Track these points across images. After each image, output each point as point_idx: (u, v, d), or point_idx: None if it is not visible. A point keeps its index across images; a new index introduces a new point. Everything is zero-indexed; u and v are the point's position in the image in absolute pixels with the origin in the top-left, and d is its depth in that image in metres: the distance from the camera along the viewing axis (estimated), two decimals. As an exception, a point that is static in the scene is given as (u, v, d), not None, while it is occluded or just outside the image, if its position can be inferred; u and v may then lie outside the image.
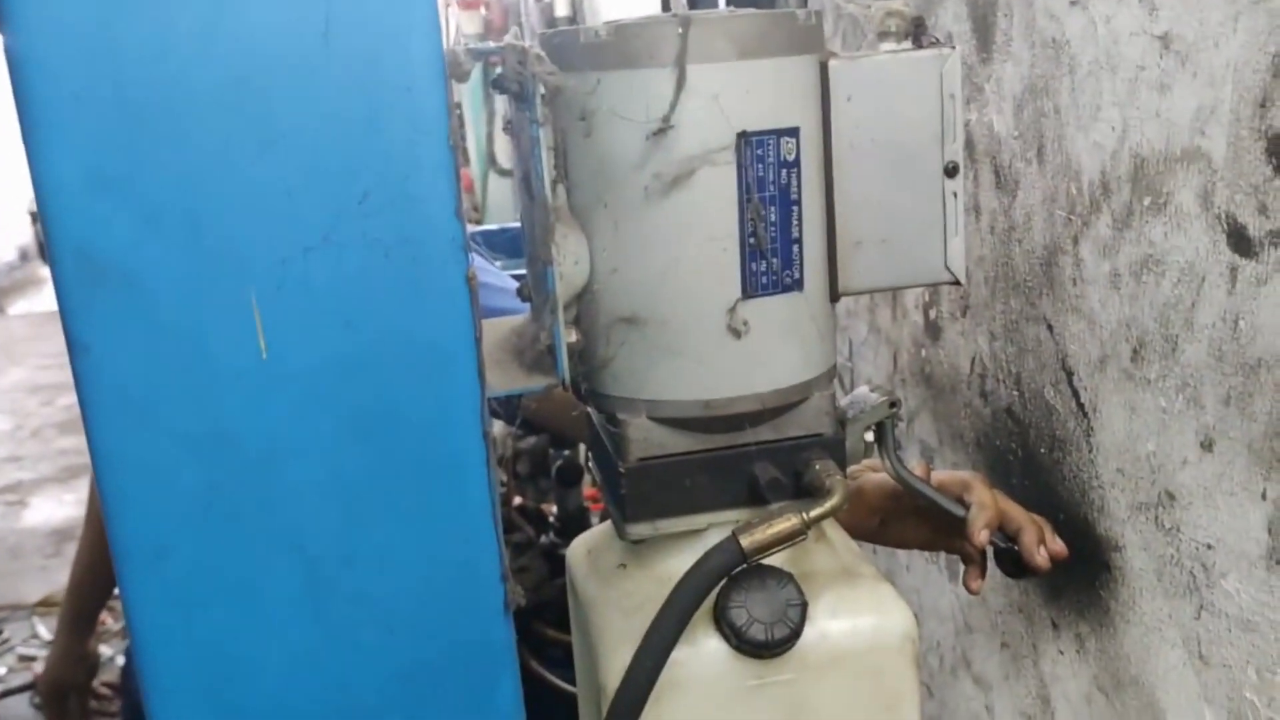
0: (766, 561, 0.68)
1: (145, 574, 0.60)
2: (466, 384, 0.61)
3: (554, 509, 2.01)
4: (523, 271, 0.80)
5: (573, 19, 3.20)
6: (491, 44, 0.70)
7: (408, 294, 0.59)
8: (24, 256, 12.55)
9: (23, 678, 3.42)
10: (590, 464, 0.83)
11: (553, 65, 0.65)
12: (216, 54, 0.55)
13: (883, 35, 0.76)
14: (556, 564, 1.82)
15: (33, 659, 3.58)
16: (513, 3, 5.07)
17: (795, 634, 0.68)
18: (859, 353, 1.53)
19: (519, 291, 0.80)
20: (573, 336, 0.69)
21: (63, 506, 5.06)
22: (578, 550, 0.81)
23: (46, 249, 0.56)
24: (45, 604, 3.91)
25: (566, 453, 1.96)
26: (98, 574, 1.83)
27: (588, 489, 2.04)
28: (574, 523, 1.94)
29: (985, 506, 0.91)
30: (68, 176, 0.55)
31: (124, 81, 0.54)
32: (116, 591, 1.74)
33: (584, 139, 0.66)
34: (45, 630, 3.74)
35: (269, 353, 0.59)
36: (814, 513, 0.68)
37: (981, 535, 0.90)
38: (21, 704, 3.26)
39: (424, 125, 0.58)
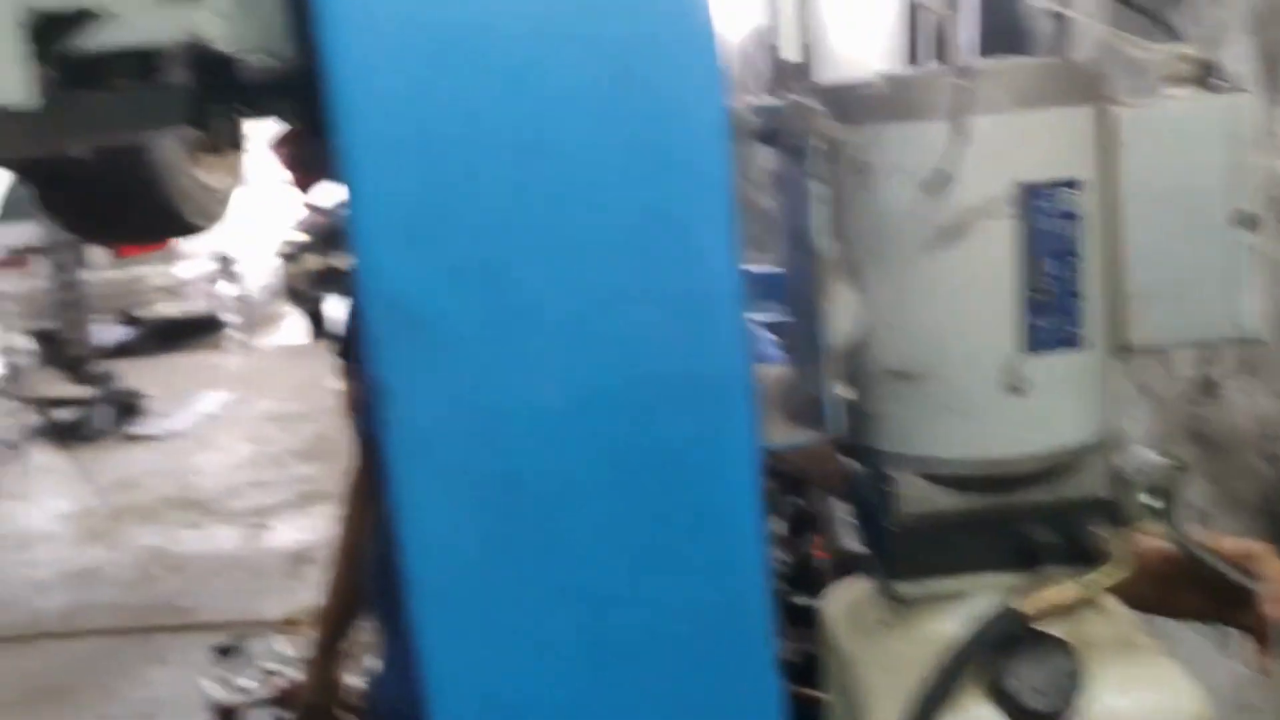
0: (1041, 628, 0.66)
1: (435, 611, 0.63)
2: (743, 433, 0.62)
3: (784, 556, 1.99)
4: (770, 317, 0.81)
5: (804, 64, 3.21)
6: (769, 100, 0.71)
7: (690, 341, 0.60)
8: (270, 295, 13.53)
9: (266, 690, 3.65)
10: (840, 515, 0.82)
11: (832, 120, 0.65)
12: (519, 115, 0.58)
13: (1169, 79, 0.73)
14: (788, 612, 1.79)
15: (275, 673, 3.81)
16: (743, 49, 5.14)
17: (1072, 706, 0.65)
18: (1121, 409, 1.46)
19: (776, 340, 0.80)
20: (843, 390, 0.69)
21: (300, 531, 5.38)
22: (835, 606, 0.80)
23: (358, 296, 0.60)
24: (287, 623, 4.15)
25: (799, 500, 1.94)
26: (349, 606, 1.93)
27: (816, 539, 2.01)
28: (803, 571, 1.91)
29: (1277, 579, 0.84)
30: (384, 230, 0.59)
31: (436, 140, 0.58)
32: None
33: (860, 192, 0.66)
34: (286, 647, 3.97)
35: (557, 398, 0.61)
36: (1096, 579, 0.65)
37: (1276, 611, 0.83)
38: (266, 717, 3.47)
39: (708, 180, 0.60)
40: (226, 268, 11.99)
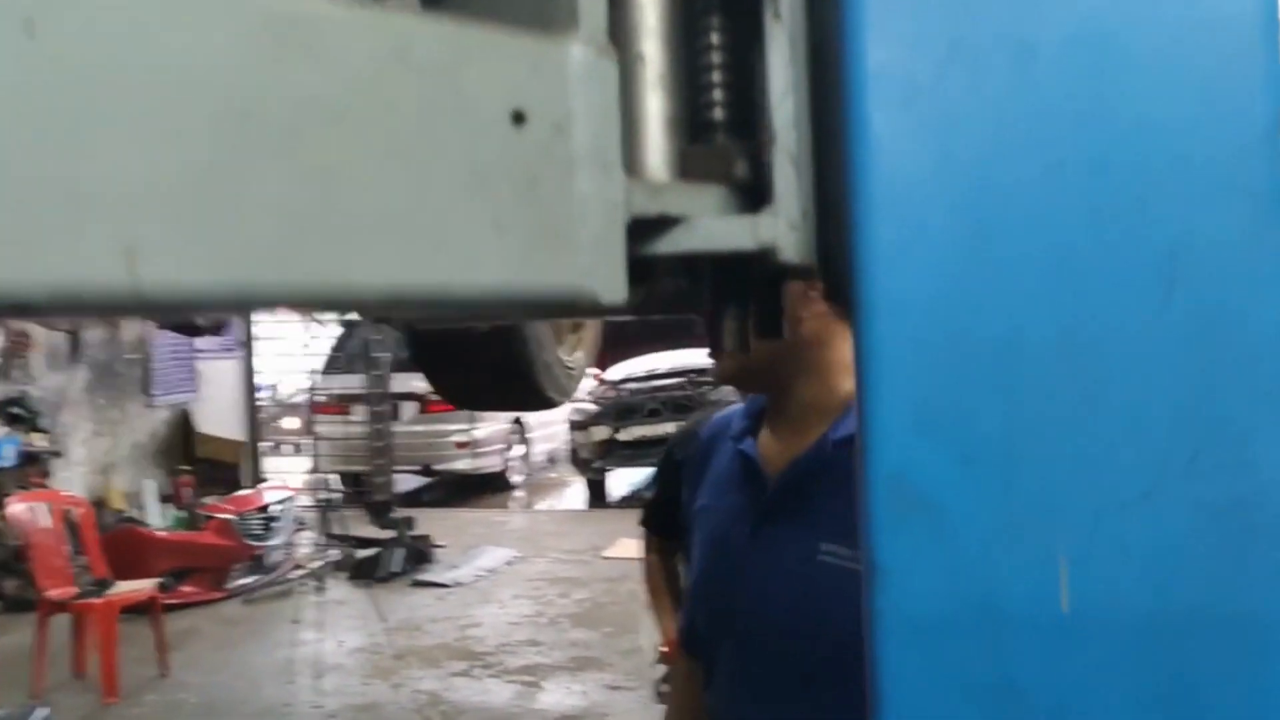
0: None
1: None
2: (1283, 673, 0.55)
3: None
4: None
5: None
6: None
7: (1232, 562, 0.55)
8: (551, 460, 14.11)
9: None
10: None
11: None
12: (1051, 313, 0.56)
13: None
14: None
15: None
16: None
17: None
18: None
19: None
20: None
21: (571, 695, 5.40)
22: None
23: (863, 476, 0.59)
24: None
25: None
26: None
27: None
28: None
29: None
30: (895, 413, 0.58)
31: (960, 335, 0.57)
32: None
33: None
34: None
35: (1070, 607, 0.57)
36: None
37: None
38: None
39: (1269, 394, 0.55)
40: (520, 431, 12.64)
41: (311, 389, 11.15)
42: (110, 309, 0.36)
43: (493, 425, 11.93)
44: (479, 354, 2.50)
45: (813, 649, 1.32)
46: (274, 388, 11.94)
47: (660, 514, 3.00)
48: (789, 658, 1.34)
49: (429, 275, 0.42)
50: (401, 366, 11.49)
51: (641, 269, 0.52)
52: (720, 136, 0.59)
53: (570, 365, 2.92)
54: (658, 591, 3.03)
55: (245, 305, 0.39)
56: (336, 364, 11.20)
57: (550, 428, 13.20)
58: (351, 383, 10.80)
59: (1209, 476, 0.55)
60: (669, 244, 0.52)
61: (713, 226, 0.52)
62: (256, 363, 10.90)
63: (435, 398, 11.70)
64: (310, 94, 0.41)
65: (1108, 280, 0.56)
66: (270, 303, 0.39)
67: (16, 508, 6.00)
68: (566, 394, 2.94)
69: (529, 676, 5.65)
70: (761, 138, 0.58)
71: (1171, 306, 0.55)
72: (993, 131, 0.56)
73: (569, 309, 0.49)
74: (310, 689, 5.54)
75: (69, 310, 0.35)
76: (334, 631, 6.15)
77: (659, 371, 11.06)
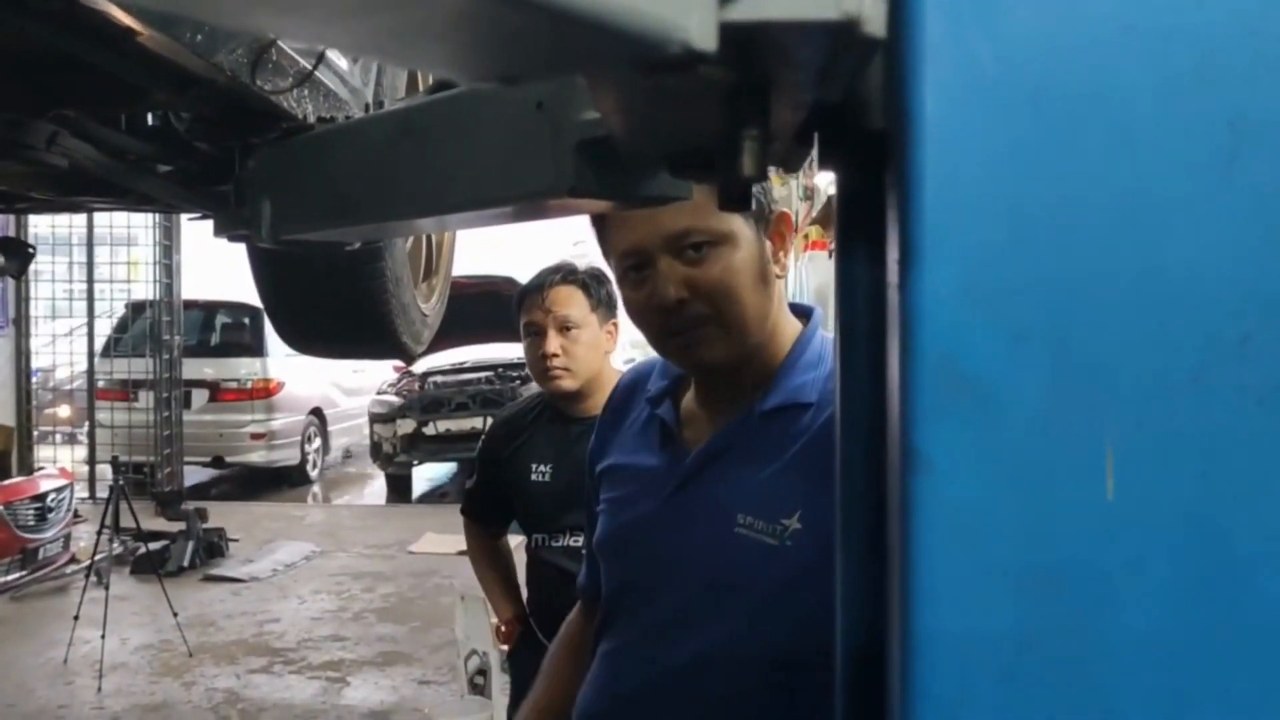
0: None
1: (938, 711, 0.55)
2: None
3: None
4: None
5: None
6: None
7: (1276, 446, 0.54)
8: (348, 454, 13.69)
9: None
10: None
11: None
12: (1109, 182, 0.54)
13: None
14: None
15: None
16: None
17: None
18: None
19: None
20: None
21: (379, 690, 5.22)
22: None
23: (907, 354, 0.55)
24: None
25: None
26: None
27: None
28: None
29: None
30: (945, 288, 0.54)
31: (1016, 201, 0.54)
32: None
33: None
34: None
35: (1115, 493, 0.54)
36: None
37: None
38: None
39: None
40: (320, 422, 12.18)
41: (91, 372, 10.39)
42: None
43: (290, 416, 11.45)
44: (331, 286, 2.34)
45: (723, 619, 1.29)
46: (48, 370, 11.06)
47: (482, 504, 2.95)
48: (700, 624, 1.31)
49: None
50: (192, 351, 10.90)
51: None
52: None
53: (425, 313, 2.80)
54: (487, 573, 2.97)
55: None
56: (120, 346, 10.49)
57: (348, 421, 12.79)
58: (137, 366, 10.15)
59: (1259, 360, 0.54)
60: (748, 8, 0.46)
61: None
62: (29, 343, 10.06)
63: (229, 385, 11.19)
64: None
65: (1167, 150, 0.54)
66: None
67: None
68: (420, 343, 2.82)
69: (334, 672, 5.42)
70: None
71: (1231, 181, 0.54)
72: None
73: (655, 52, 0.43)
74: (90, 689, 5.14)
75: None
76: (117, 629, 5.73)
77: (466, 365, 10.88)
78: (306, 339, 2.72)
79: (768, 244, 1.33)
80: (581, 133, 0.92)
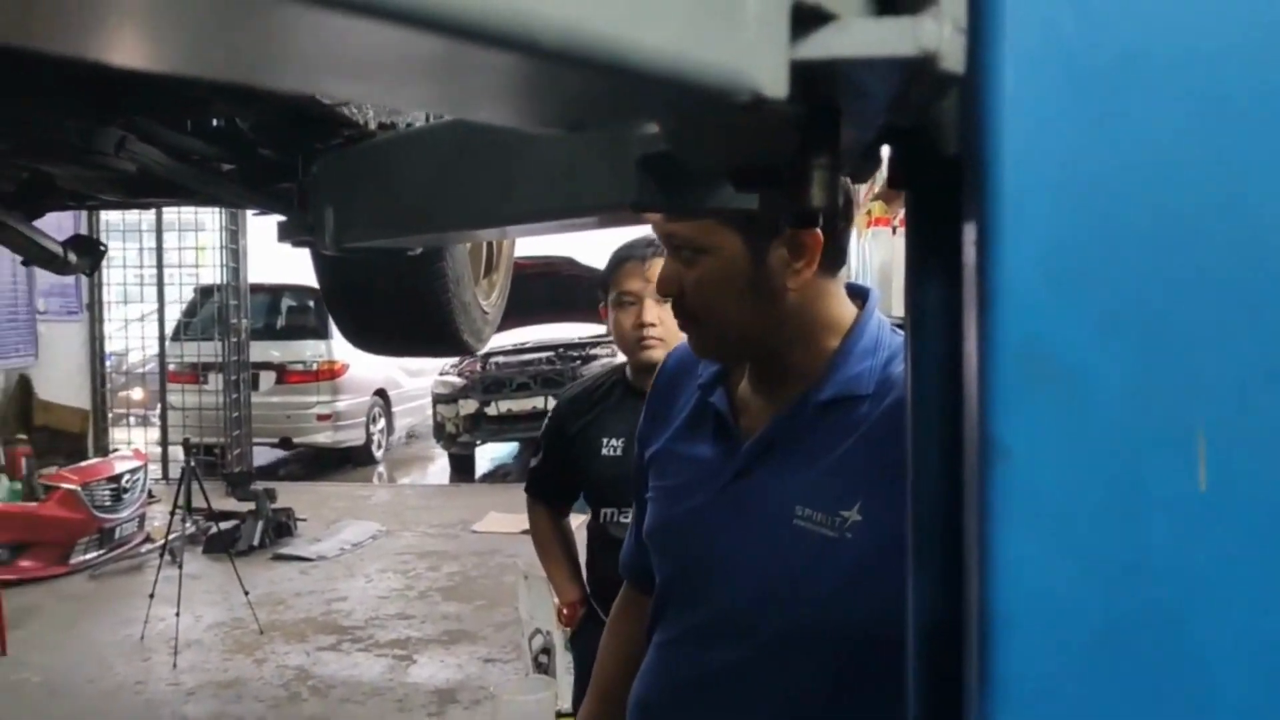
0: None
1: (1022, 710, 0.53)
2: None
3: None
4: None
5: None
6: None
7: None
8: (411, 435, 13.84)
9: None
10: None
11: None
12: (1205, 157, 0.51)
13: None
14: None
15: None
16: None
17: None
18: None
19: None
20: None
21: (445, 669, 5.28)
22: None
23: (987, 340, 0.53)
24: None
25: None
26: None
27: None
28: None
29: None
30: (1028, 270, 0.52)
31: (1099, 186, 0.52)
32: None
33: None
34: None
35: (1208, 486, 0.52)
36: None
37: None
38: None
39: None
40: (385, 404, 12.33)
41: (162, 356, 10.61)
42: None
43: (356, 397, 11.61)
44: (393, 287, 2.36)
45: (781, 613, 1.27)
46: (121, 354, 11.31)
47: (547, 482, 2.95)
48: (758, 619, 1.29)
49: (602, 19, 0.34)
50: (259, 334, 11.08)
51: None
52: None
53: (486, 310, 2.81)
54: (551, 555, 2.97)
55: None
56: (190, 330, 10.69)
57: (411, 402, 12.93)
58: (206, 350, 10.35)
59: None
60: (819, 46, 0.44)
61: (866, 28, 0.45)
62: (103, 329, 10.31)
63: (295, 368, 11.36)
64: None
65: (1266, 123, 0.51)
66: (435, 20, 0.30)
67: None
68: (481, 339, 2.83)
69: (400, 650, 5.49)
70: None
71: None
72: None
73: (725, 100, 0.41)
74: (166, 666, 5.27)
75: None
76: (191, 606, 5.85)
77: (527, 345, 10.94)
78: (368, 338, 2.75)
79: (781, 253, 1.28)
80: (643, 146, 0.90)
